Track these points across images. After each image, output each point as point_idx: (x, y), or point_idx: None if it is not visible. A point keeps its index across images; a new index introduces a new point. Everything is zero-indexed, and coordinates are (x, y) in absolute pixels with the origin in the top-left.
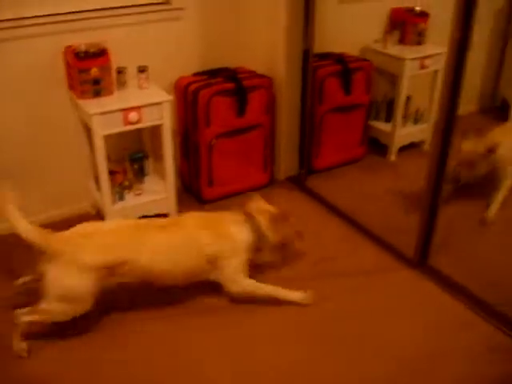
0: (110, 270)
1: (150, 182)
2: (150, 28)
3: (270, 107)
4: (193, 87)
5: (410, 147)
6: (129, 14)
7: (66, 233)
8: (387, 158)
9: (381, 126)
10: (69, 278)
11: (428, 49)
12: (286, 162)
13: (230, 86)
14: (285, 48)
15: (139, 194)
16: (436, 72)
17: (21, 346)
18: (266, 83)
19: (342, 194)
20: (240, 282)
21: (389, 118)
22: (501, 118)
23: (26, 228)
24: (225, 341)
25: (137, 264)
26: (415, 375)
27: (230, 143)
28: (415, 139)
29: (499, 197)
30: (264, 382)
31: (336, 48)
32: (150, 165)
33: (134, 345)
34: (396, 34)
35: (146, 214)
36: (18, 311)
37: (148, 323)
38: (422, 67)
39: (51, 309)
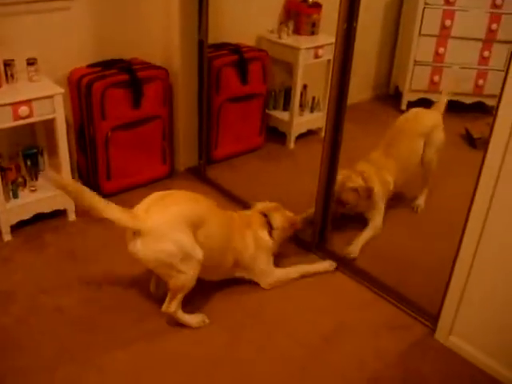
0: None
1: (46, 178)
2: (38, 18)
3: (167, 99)
4: (86, 79)
5: (308, 135)
6: (16, 4)
7: (143, 205)
8: (286, 146)
9: (279, 114)
10: (172, 235)
11: (321, 39)
12: (186, 153)
13: (124, 77)
14: (179, 39)
15: (34, 191)
16: (329, 61)
17: (196, 319)
18: (161, 74)
19: (241, 183)
20: (273, 273)
21: (286, 106)
22: (394, 105)
23: (116, 211)
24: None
25: (208, 230)
26: (318, 355)
27: (126, 136)
28: (312, 127)
29: (365, 236)
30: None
31: (232, 38)
32: (45, 160)
33: None
34: (291, 25)
35: (42, 210)
36: (164, 308)
37: None
38: (316, 57)
39: (181, 275)
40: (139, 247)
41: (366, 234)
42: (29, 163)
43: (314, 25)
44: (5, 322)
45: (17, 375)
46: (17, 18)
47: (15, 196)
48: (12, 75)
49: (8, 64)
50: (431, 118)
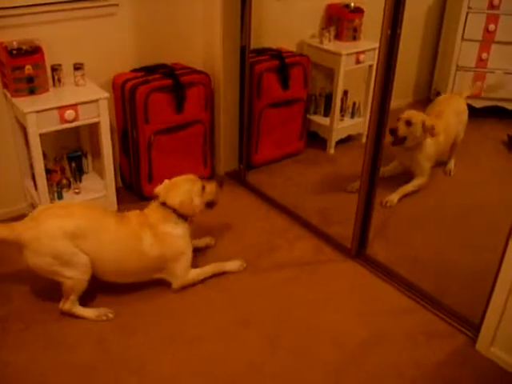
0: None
1: (89, 180)
2: (84, 24)
3: (209, 103)
4: (130, 84)
5: (348, 140)
6: (63, 10)
7: (27, 218)
8: (326, 152)
9: (319, 119)
10: (50, 246)
11: (363, 44)
12: (226, 158)
13: (167, 82)
14: (222, 44)
15: (78, 193)
16: (370, 67)
17: (95, 313)
18: (203, 79)
19: (281, 188)
20: (187, 276)
21: (327, 112)
22: None
23: None
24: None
25: (97, 240)
26: (356, 361)
27: (169, 139)
28: (353, 132)
29: (406, 188)
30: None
31: (273, 43)
32: (88, 163)
33: None
34: (332, 30)
35: None
36: (60, 305)
37: None
38: (358, 62)
39: (67, 280)
40: (24, 258)
41: (408, 187)
42: (73, 165)
43: (355, 30)
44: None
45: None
46: (64, 24)
47: (60, 197)
48: (59, 79)
49: (55, 69)
50: (463, 102)
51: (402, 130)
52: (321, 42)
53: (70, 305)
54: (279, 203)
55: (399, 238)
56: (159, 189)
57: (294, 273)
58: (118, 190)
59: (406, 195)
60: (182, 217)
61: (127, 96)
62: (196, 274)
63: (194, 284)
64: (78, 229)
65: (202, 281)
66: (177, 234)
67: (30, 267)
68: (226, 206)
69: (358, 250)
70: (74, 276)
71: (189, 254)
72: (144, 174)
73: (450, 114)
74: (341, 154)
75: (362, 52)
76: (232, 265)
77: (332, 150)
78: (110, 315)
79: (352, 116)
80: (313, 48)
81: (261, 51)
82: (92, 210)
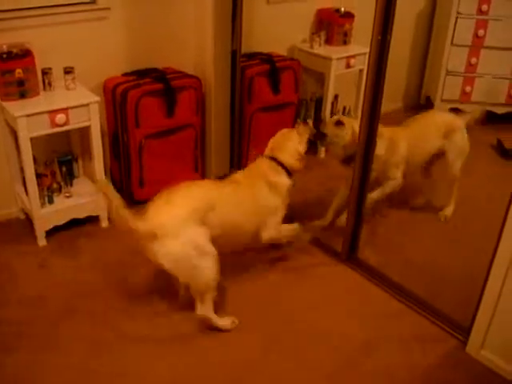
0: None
1: (80, 185)
2: (75, 28)
3: (200, 107)
4: (121, 88)
5: None
6: (53, 14)
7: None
8: (318, 155)
9: (310, 124)
10: (184, 232)
11: (353, 49)
12: (217, 162)
13: (158, 86)
14: (213, 48)
15: (69, 197)
16: (361, 71)
17: (227, 321)
18: (194, 83)
19: None
20: (279, 228)
21: (317, 116)
22: None
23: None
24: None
25: (220, 212)
26: (349, 365)
27: (160, 144)
28: None
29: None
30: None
31: (264, 48)
32: (79, 167)
33: None
34: (323, 34)
35: (76, 216)
36: (198, 311)
37: None
38: (348, 66)
39: (201, 275)
40: (156, 250)
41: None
42: (64, 170)
43: (345, 34)
44: (40, 325)
45: (52, 372)
46: (55, 28)
47: (50, 201)
48: (49, 83)
49: (46, 72)
50: (450, 119)
51: (330, 127)
52: (311, 47)
53: (208, 308)
54: None
55: (390, 242)
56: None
57: (286, 276)
58: None
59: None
60: (288, 173)
61: (118, 100)
62: (285, 229)
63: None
64: (205, 204)
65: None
66: (286, 185)
67: (160, 263)
68: None
69: (349, 254)
70: (208, 266)
71: (284, 210)
72: (135, 178)
73: (426, 128)
74: (332, 158)
75: (353, 56)
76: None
77: (323, 154)
78: (236, 321)
79: None
80: (303, 52)
81: (252, 55)
82: (203, 184)
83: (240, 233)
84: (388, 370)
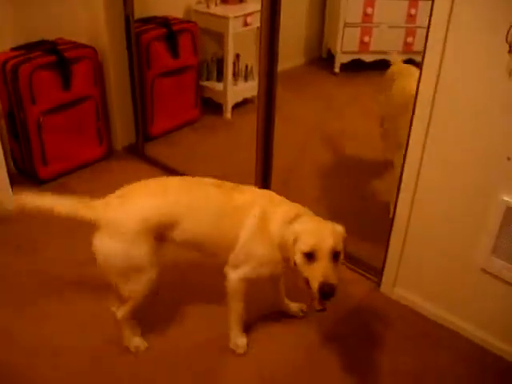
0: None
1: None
2: None
3: (97, 78)
4: (11, 63)
5: (245, 104)
6: None
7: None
8: (223, 117)
9: (213, 85)
10: (124, 243)
11: (249, 6)
12: (122, 132)
13: (51, 58)
14: (104, 15)
15: None
16: (258, 28)
17: (133, 342)
18: (89, 53)
19: (181, 158)
20: (243, 271)
21: (220, 77)
22: (328, 67)
23: (69, 206)
24: None
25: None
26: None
27: (59, 119)
28: (248, 95)
29: None
30: None
31: (159, 11)
32: None
33: None
34: None
35: None
36: (113, 309)
37: None
38: (245, 25)
39: (128, 284)
40: (93, 239)
41: None
42: None
43: None
44: None
45: None
46: None
47: None
48: None
49: None
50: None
51: None
52: (208, 7)
53: (125, 313)
54: (179, 173)
55: (300, 190)
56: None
57: None
58: (11, 176)
59: None
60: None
61: (9, 76)
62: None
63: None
64: (167, 218)
65: None
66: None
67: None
68: (125, 182)
69: None
70: (143, 283)
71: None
72: (37, 157)
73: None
74: (238, 119)
75: (250, 14)
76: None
77: (229, 115)
78: (142, 347)
79: (245, 79)
80: (200, 13)
81: (147, 20)
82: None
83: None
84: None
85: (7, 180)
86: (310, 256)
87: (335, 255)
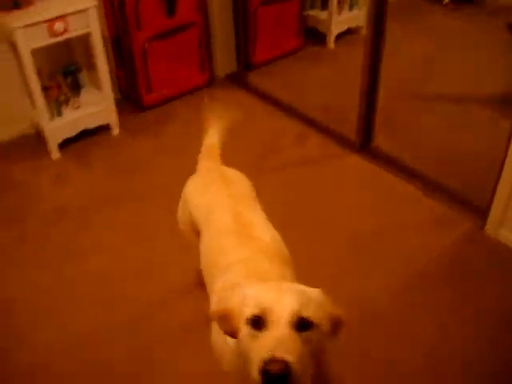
0: None
1: (88, 94)
2: None
3: (201, 4)
4: None
5: (348, 34)
6: None
7: None
8: (326, 47)
9: (317, 14)
10: None
11: None
12: (224, 60)
13: None
14: None
15: (78, 108)
16: None
17: None
18: None
19: (283, 87)
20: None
21: (324, 5)
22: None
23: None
24: None
25: None
26: (361, 251)
27: (163, 45)
28: (352, 25)
29: None
30: None
31: None
32: (85, 77)
33: None
34: None
35: (87, 126)
36: None
37: None
38: None
39: None
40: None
41: None
42: (69, 81)
43: None
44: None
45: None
46: None
47: (59, 114)
48: None
49: None
50: None
51: None
52: None
53: None
54: (282, 102)
55: (404, 127)
56: None
57: (302, 171)
58: (117, 101)
59: None
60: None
61: (116, 2)
62: None
63: None
64: None
65: None
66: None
67: None
68: (227, 111)
69: (363, 143)
70: None
71: None
72: (142, 84)
73: None
74: (341, 49)
75: None
76: None
77: (332, 45)
78: None
79: (350, 8)
80: None
81: None
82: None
83: None
84: (404, 254)
85: (114, 106)
86: (256, 323)
87: (301, 325)
